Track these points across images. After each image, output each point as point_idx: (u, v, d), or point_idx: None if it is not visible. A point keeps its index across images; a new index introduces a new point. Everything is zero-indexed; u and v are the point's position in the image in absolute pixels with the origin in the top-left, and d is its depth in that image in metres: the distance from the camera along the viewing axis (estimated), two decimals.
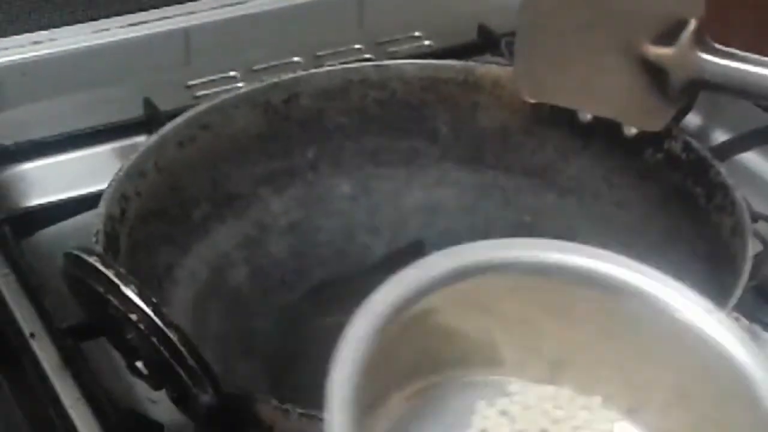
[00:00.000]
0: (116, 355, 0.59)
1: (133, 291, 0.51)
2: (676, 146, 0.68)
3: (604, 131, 0.71)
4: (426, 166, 0.77)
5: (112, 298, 0.51)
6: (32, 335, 0.73)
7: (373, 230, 0.76)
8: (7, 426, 0.85)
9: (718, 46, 0.63)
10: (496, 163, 0.76)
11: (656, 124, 0.67)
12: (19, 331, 0.73)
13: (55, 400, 0.69)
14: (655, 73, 0.65)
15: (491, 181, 0.76)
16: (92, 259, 0.51)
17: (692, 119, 0.88)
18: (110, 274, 0.51)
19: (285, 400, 0.56)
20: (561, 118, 0.73)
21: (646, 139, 0.69)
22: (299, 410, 0.53)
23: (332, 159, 0.76)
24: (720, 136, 0.90)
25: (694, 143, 0.68)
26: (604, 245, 0.71)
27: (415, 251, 0.76)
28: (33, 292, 0.75)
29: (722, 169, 0.67)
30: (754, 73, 0.62)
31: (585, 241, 0.72)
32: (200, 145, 0.71)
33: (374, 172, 0.77)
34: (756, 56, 0.63)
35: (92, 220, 0.64)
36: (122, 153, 0.87)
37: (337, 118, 0.76)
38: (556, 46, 0.69)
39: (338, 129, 0.76)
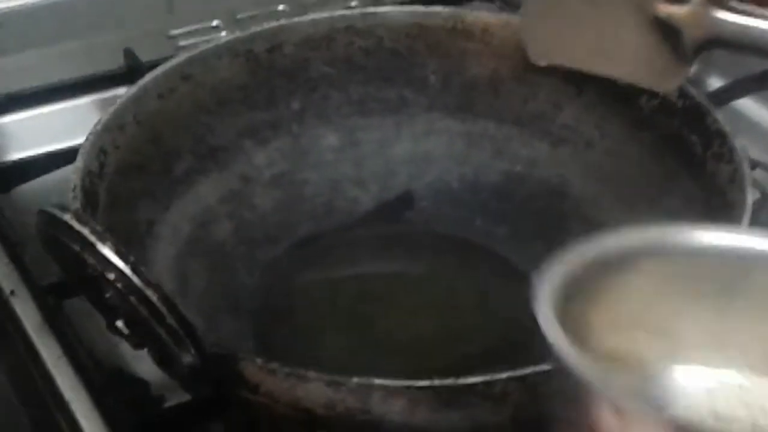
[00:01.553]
0: (99, 315, 0.58)
1: (109, 249, 0.49)
2: (672, 92, 0.66)
3: (598, 78, 0.69)
4: (414, 115, 0.75)
5: (87, 257, 0.49)
6: (12, 293, 0.71)
7: (360, 182, 0.75)
8: None
9: (732, 3, 0.61)
10: (486, 112, 0.74)
11: (670, 85, 0.65)
12: None
13: (37, 359, 0.67)
14: (667, 33, 0.63)
15: (481, 130, 0.74)
16: (66, 217, 0.50)
17: None
18: (85, 231, 0.49)
19: (271, 356, 0.55)
20: (552, 67, 0.71)
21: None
22: (285, 369, 0.51)
23: (318, 110, 0.74)
24: (716, 82, 0.88)
25: (690, 89, 0.66)
26: (598, 195, 0.71)
27: (403, 203, 0.74)
28: (13, 248, 0.73)
29: (719, 115, 0.65)
30: None
31: (578, 190, 0.71)
32: (181, 96, 0.69)
33: (361, 122, 0.75)
34: None
35: (71, 176, 0.62)
36: (103, 105, 0.84)
37: (323, 68, 0.74)
38: (566, 6, 0.67)
39: (323, 79, 0.74)
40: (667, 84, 0.65)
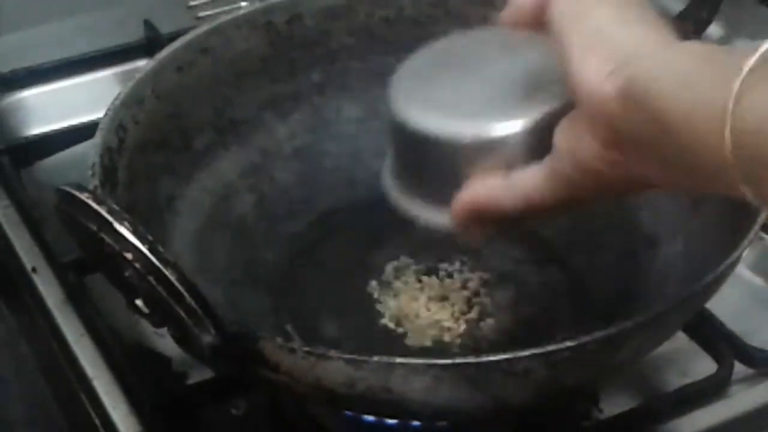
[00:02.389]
0: None
1: (127, 228, 0.48)
2: None
3: None
4: None
5: (105, 236, 0.48)
6: (34, 270, 0.71)
7: (382, 154, 0.73)
8: (14, 361, 0.84)
9: None
10: None
11: None
12: (20, 266, 0.72)
13: (59, 336, 0.67)
14: None
15: None
16: (84, 196, 0.49)
17: (714, 30, 0.85)
18: (103, 210, 0.48)
19: (290, 333, 0.55)
20: None
21: None
22: (305, 348, 0.51)
23: (338, 81, 0.73)
24: (742, 46, 0.86)
25: None
26: None
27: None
28: (34, 225, 0.73)
29: None
30: None
31: None
32: (200, 69, 0.69)
33: (382, 93, 0.73)
34: None
35: (92, 148, 0.61)
36: (123, 78, 0.84)
37: (343, 39, 0.73)
38: None
39: (344, 50, 0.73)
40: None
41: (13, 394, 0.89)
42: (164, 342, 0.68)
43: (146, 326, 0.69)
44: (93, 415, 0.64)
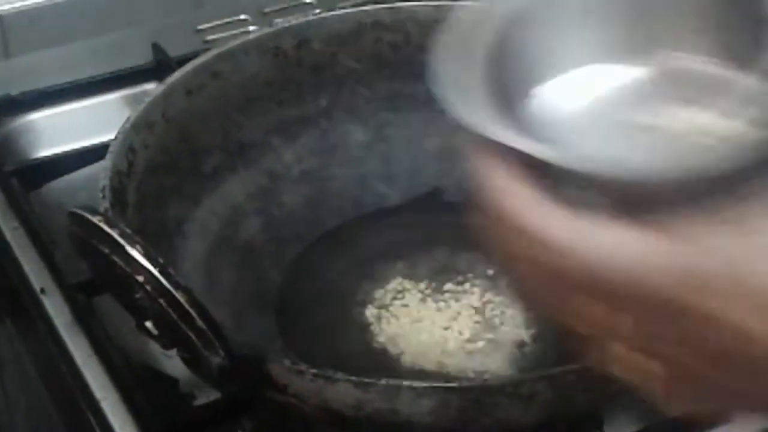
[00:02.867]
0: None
1: (138, 251, 0.49)
2: None
3: None
4: (443, 111, 0.74)
5: (117, 259, 0.49)
6: (43, 291, 0.72)
7: (388, 178, 0.74)
8: (22, 383, 0.84)
9: None
10: None
11: None
12: (29, 287, 0.72)
13: (67, 357, 0.68)
14: None
15: None
16: (96, 219, 0.50)
17: None
18: (114, 234, 0.49)
19: (298, 354, 0.55)
20: None
21: None
22: (313, 371, 0.51)
23: (346, 106, 0.74)
24: None
25: None
26: None
27: (431, 199, 0.74)
28: (43, 246, 0.74)
29: None
30: None
31: None
32: (210, 93, 0.69)
33: (389, 118, 0.75)
34: None
35: (100, 175, 0.62)
36: (131, 101, 0.85)
37: (350, 63, 0.73)
38: None
39: (351, 74, 0.73)
40: None
41: (21, 416, 0.90)
42: (172, 363, 0.68)
43: (154, 348, 0.69)
44: None
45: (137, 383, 0.65)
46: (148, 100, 0.67)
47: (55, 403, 0.72)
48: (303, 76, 0.73)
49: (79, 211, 0.51)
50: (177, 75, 0.68)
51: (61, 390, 0.69)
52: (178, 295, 0.49)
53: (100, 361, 0.67)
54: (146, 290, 0.49)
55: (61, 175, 0.80)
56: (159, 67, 0.86)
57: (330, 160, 0.74)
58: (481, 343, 0.65)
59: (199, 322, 0.49)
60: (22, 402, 0.87)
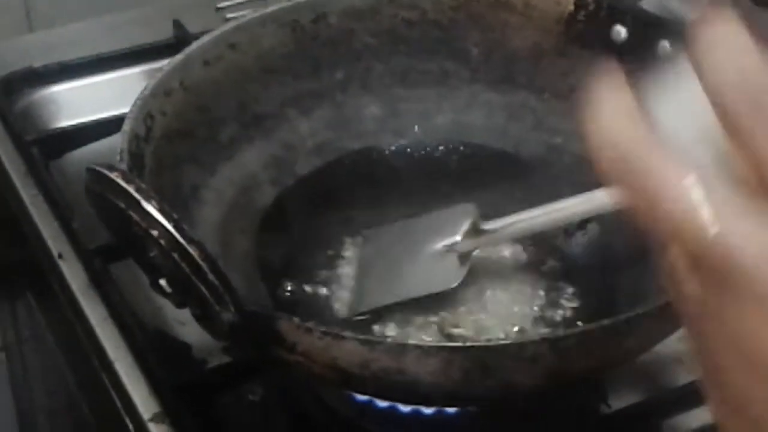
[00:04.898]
0: (145, 278, 0.59)
1: (154, 206, 0.50)
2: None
3: (639, 50, 0.69)
4: (456, 87, 0.76)
5: (133, 214, 0.50)
6: (60, 256, 0.73)
7: (402, 152, 0.75)
8: (40, 354, 0.86)
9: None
10: (527, 85, 0.74)
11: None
12: (48, 252, 0.74)
13: (83, 320, 0.69)
14: None
15: (522, 103, 0.75)
16: (113, 175, 0.51)
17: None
18: (131, 189, 0.50)
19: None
20: (593, 38, 0.71)
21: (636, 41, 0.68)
22: (322, 328, 0.52)
23: (361, 80, 0.75)
24: None
25: None
26: None
27: (444, 175, 0.75)
28: (61, 213, 0.75)
29: None
30: None
31: None
32: (227, 64, 0.70)
33: (403, 93, 0.76)
34: None
35: (120, 135, 0.63)
36: (151, 75, 0.84)
37: (367, 39, 0.74)
38: None
39: (367, 50, 0.74)
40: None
41: (39, 388, 0.92)
42: (184, 330, 0.70)
43: (168, 314, 0.71)
44: (114, 396, 0.65)
45: (151, 347, 0.67)
46: (166, 69, 0.68)
47: (71, 365, 0.74)
48: (319, 50, 0.74)
49: (97, 167, 0.52)
50: (195, 45, 0.69)
51: (76, 352, 0.70)
52: (191, 249, 0.50)
53: (114, 323, 0.68)
54: (160, 245, 0.50)
55: (81, 145, 0.81)
56: (179, 43, 0.87)
57: (344, 133, 0.75)
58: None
59: (211, 277, 0.50)
60: (39, 373, 0.89)
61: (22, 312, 0.89)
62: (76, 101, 0.87)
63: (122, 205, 0.51)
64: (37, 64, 0.87)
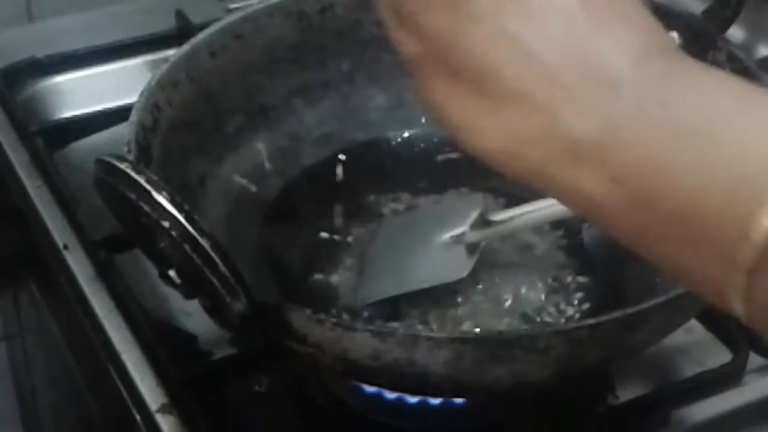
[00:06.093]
0: (150, 269, 0.59)
1: (165, 197, 0.50)
2: (720, 56, 0.66)
3: None
4: None
5: (143, 205, 0.50)
6: (65, 247, 0.73)
7: (408, 144, 0.75)
8: (44, 347, 0.85)
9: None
10: None
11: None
12: (52, 244, 0.73)
13: (89, 312, 0.69)
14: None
15: None
16: (124, 166, 0.51)
17: (736, 32, 0.86)
18: (142, 180, 0.50)
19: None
20: None
21: (689, 50, 0.67)
22: (333, 319, 0.52)
23: (368, 71, 0.75)
24: (765, 50, 0.88)
25: (739, 53, 0.66)
26: None
27: (449, 165, 0.75)
28: (66, 204, 0.75)
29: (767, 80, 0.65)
30: None
31: None
32: (233, 55, 0.70)
33: (409, 84, 0.74)
34: None
35: (125, 132, 0.63)
36: (154, 66, 0.85)
37: (373, 29, 0.74)
38: None
39: (374, 39, 0.74)
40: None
41: (41, 380, 0.91)
42: (191, 321, 0.70)
43: (174, 305, 0.71)
44: (121, 388, 0.65)
45: (157, 338, 0.67)
46: (172, 59, 0.67)
47: (76, 357, 0.73)
48: (326, 41, 0.73)
49: (107, 158, 0.52)
50: (201, 36, 0.69)
51: (82, 345, 0.70)
52: (203, 241, 0.49)
53: (121, 315, 0.68)
54: (171, 236, 0.50)
55: (85, 135, 0.81)
56: (181, 33, 0.87)
57: (350, 124, 0.74)
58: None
59: (222, 268, 0.50)
60: (42, 366, 0.89)
61: (25, 302, 0.89)
62: (79, 91, 0.87)
63: (133, 196, 0.50)
64: (40, 54, 0.87)
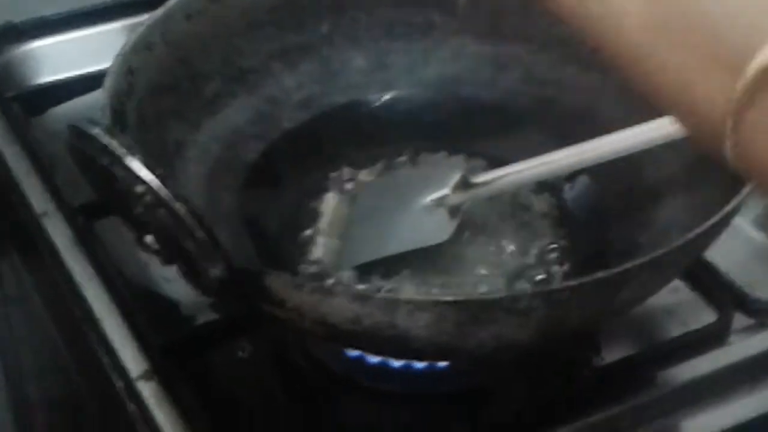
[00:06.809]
0: (130, 235, 0.58)
1: (138, 162, 0.49)
2: None
3: None
4: (443, 39, 0.75)
5: (116, 170, 0.49)
6: (44, 214, 0.72)
7: (388, 106, 0.74)
8: (27, 317, 0.85)
9: None
10: (515, 36, 0.73)
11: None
12: (31, 210, 0.73)
13: (69, 279, 0.68)
14: None
15: (510, 54, 0.74)
16: (95, 131, 0.50)
17: None
18: (114, 145, 0.49)
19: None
20: None
21: None
22: (312, 284, 0.52)
23: (347, 33, 0.74)
24: None
25: None
26: (627, 120, 0.70)
27: (431, 128, 0.74)
28: (44, 170, 0.74)
29: None
30: None
31: (607, 115, 0.71)
32: (210, 18, 0.69)
33: (390, 46, 0.74)
34: None
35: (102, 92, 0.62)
36: (132, 30, 0.83)
37: None
38: None
39: (353, 1, 0.73)
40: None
41: (25, 349, 0.91)
42: (172, 287, 0.69)
43: (154, 271, 0.70)
44: (101, 355, 0.65)
45: (138, 304, 0.66)
46: (147, 22, 0.66)
47: (58, 325, 0.73)
48: (304, 2, 0.73)
49: (79, 124, 0.51)
50: None
51: (62, 312, 0.70)
52: (177, 206, 0.49)
53: (101, 281, 0.67)
54: (145, 202, 0.49)
55: (62, 101, 0.80)
56: None
57: (330, 86, 0.74)
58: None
59: (199, 233, 0.49)
60: (26, 336, 0.88)
61: (8, 272, 0.88)
62: (57, 57, 0.86)
63: (105, 162, 0.50)
64: (16, 19, 0.86)
